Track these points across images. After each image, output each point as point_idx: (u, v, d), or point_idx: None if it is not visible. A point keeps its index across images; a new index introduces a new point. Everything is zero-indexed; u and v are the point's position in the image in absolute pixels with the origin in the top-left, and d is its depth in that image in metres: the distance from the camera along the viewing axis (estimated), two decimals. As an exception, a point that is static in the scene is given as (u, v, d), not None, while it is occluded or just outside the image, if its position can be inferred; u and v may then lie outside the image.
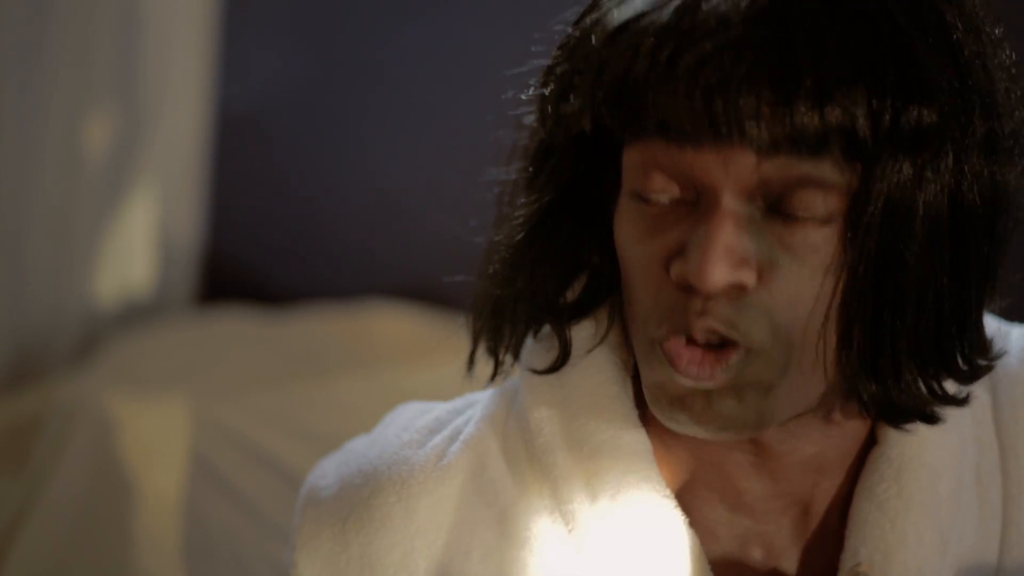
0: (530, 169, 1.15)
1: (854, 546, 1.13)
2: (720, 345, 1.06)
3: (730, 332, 1.05)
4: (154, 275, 2.59)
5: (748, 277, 1.03)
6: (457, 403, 1.24)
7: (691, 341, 1.05)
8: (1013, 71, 1.08)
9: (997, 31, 1.10)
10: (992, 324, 1.15)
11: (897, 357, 1.08)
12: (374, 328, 2.47)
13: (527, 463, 1.18)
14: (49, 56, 2.36)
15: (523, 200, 1.15)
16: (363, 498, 1.17)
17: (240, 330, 2.45)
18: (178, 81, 2.56)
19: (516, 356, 1.18)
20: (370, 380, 2.16)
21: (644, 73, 1.04)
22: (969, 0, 1.09)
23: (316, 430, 2.09)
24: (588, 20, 1.11)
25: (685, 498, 1.17)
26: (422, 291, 2.52)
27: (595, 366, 1.19)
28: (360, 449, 1.21)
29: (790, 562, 1.17)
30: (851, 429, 1.15)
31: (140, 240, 2.56)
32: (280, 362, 2.33)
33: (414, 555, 1.17)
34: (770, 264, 1.06)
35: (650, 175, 1.08)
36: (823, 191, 1.05)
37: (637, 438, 1.16)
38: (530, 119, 1.15)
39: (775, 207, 1.05)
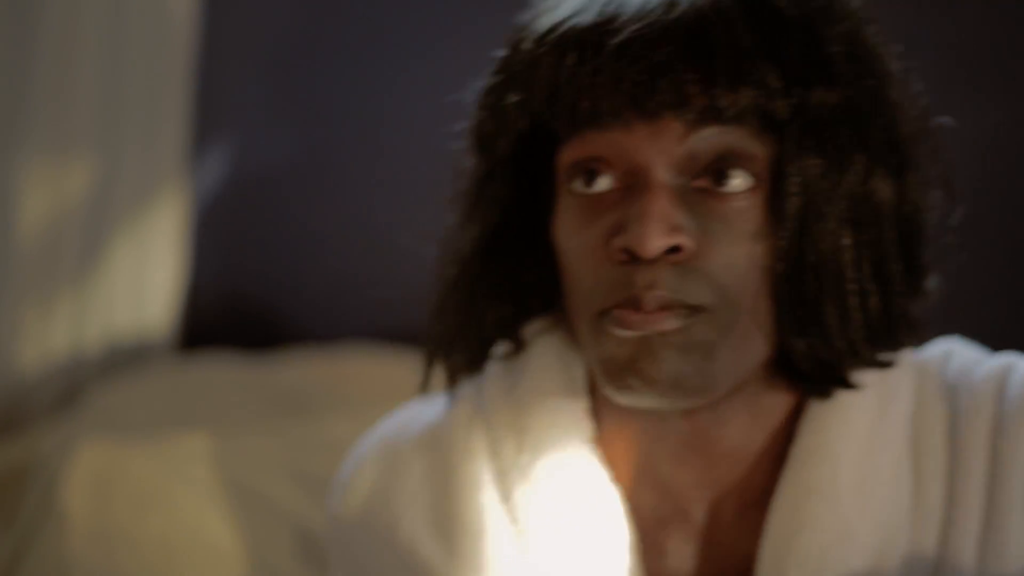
0: (472, 197, 1.25)
1: (767, 533, 1.21)
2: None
3: (677, 296, 1.14)
4: (136, 322, 2.58)
5: (684, 241, 1.13)
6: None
7: (637, 309, 1.15)
8: (906, 80, 1.23)
9: (891, 45, 1.23)
10: (957, 347, 1.27)
11: (821, 316, 1.17)
12: (356, 370, 2.48)
13: (480, 431, 1.32)
14: (31, 102, 2.37)
15: (468, 228, 1.25)
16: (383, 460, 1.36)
17: (223, 375, 2.45)
18: (159, 128, 2.57)
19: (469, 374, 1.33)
20: (356, 421, 2.17)
21: (573, 66, 1.16)
22: (864, 10, 1.23)
23: (305, 470, 2.10)
24: (519, 33, 1.21)
25: (618, 478, 1.27)
26: (401, 333, 2.53)
27: (544, 348, 1.32)
28: (388, 426, 1.39)
29: (708, 548, 1.26)
30: (774, 419, 1.24)
31: (122, 288, 2.56)
32: (265, 405, 2.33)
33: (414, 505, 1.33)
34: (704, 232, 1.15)
35: (586, 165, 1.18)
36: (746, 163, 1.15)
37: (572, 405, 1.29)
38: (470, 155, 1.26)
39: (703, 180, 1.16)
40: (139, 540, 2.01)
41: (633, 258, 1.14)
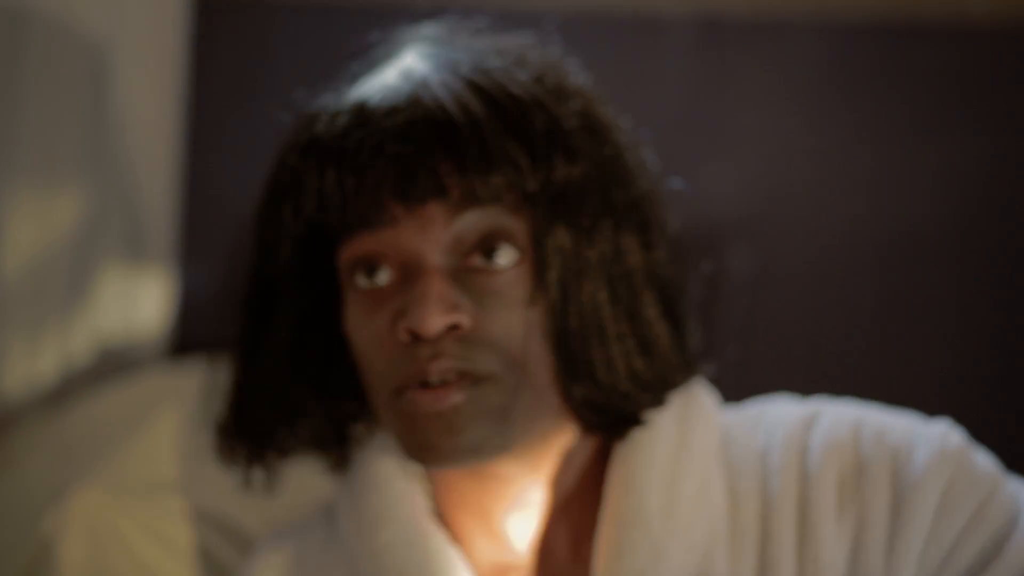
0: (263, 303, 1.33)
1: (597, 568, 1.29)
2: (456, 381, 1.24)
3: (463, 365, 1.23)
4: (125, 333, 2.61)
5: (462, 319, 1.23)
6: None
7: (426, 386, 1.24)
8: (637, 148, 1.27)
9: (619, 117, 1.35)
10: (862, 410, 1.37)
11: (591, 367, 1.27)
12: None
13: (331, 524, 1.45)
14: (18, 130, 2.37)
15: (268, 332, 1.32)
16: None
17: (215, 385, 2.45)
18: (147, 155, 2.60)
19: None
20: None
21: (336, 175, 1.25)
22: (592, 87, 1.34)
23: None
24: (284, 148, 1.29)
25: (457, 535, 1.36)
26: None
27: (376, 441, 1.43)
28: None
29: None
30: (581, 461, 1.34)
31: (112, 303, 2.58)
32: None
33: None
34: (480, 306, 1.24)
35: (365, 261, 1.28)
36: (508, 238, 1.25)
37: (404, 484, 1.38)
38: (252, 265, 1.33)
39: (474, 258, 1.25)
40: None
41: (417, 338, 1.22)
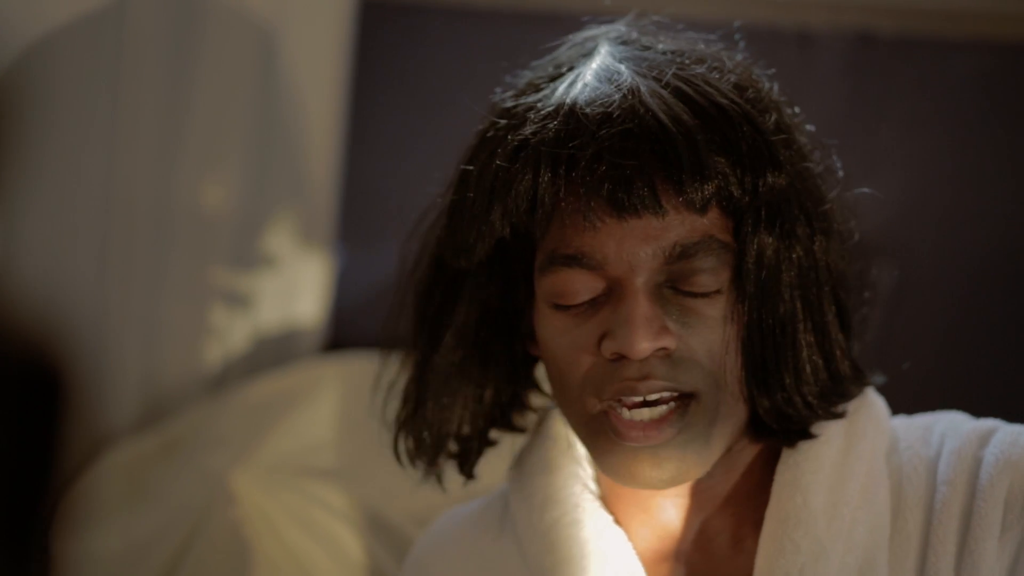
0: (444, 297, 1.37)
1: (759, 562, 1.32)
2: (663, 402, 1.27)
3: (672, 384, 1.27)
4: (283, 324, 2.65)
5: (669, 341, 1.26)
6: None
7: (633, 405, 1.27)
8: (821, 159, 1.30)
9: (804, 124, 1.37)
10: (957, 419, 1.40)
11: (780, 377, 1.29)
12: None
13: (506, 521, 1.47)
14: (183, 115, 2.45)
15: (443, 324, 1.37)
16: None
17: (369, 375, 2.47)
18: (309, 146, 2.62)
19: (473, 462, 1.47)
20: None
21: (550, 186, 1.24)
22: (783, 97, 1.37)
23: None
24: (479, 148, 1.31)
25: (620, 522, 1.40)
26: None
27: (546, 427, 1.46)
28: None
29: None
30: (746, 464, 1.37)
31: (272, 295, 2.62)
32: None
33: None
34: (683, 327, 1.27)
35: (567, 280, 1.29)
36: (715, 250, 1.27)
37: (575, 467, 1.41)
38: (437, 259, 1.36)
39: (677, 288, 1.28)
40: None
41: (622, 357, 1.27)
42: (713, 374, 1.27)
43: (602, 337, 1.28)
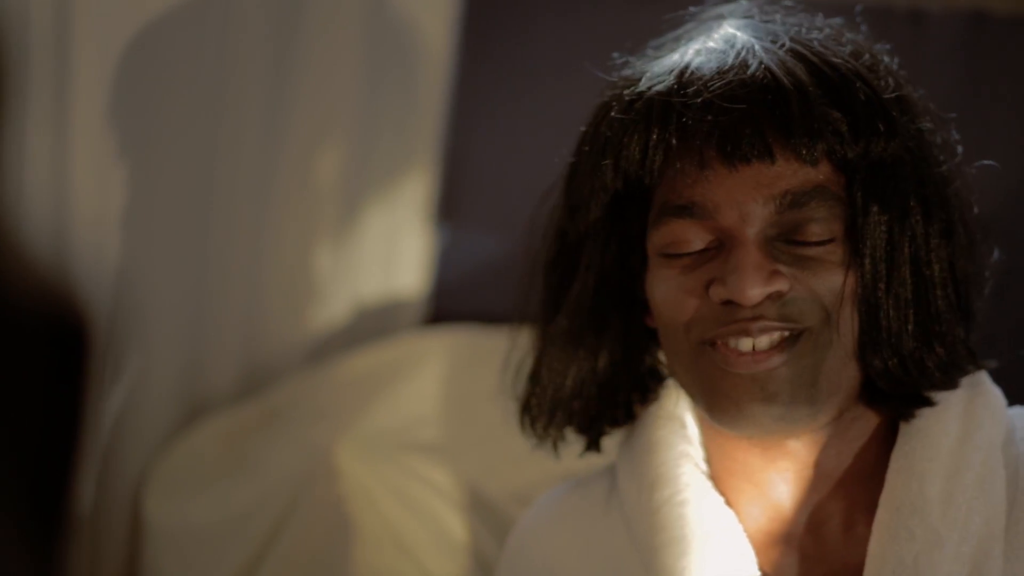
0: (567, 261, 1.36)
1: (872, 549, 1.30)
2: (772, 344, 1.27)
3: (785, 324, 1.27)
4: (385, 296, 2.67)
5: (782, 284, 1.26)
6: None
7: (742, 341, 1.27)
8: (941, 129, 1.35)
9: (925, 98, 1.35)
10: None
11: (894, 336, 1.28)
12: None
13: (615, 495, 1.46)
14: (290, 88, 2.47)
15: (565, 290, 1.37)
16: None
17: (471, 349, 2.50)
18: (415, 115, 2.63)
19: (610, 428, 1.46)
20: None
21: (660, 136, 1.29)
22: (901, 68, 1.35)
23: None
24: (600, 110, 1.35)
25: (730, 503, 1.38)
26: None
27: (656, 407, 1.44)
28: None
29: (811, 564, 1.36)
30: (861, 442, 1.35)
31: (371, 263, 2.64)
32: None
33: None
34: (800, 270, 1.27)
35: (678, 230, 1.30)
36: (827, 200, 1.26)
37: (685, 446, 1.40)
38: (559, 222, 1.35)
39: (791, 239, 1.27)
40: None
41: (731, 302, 1.27)
42: (825, 311, 1.26)
43: (710, 283, 1.27)
